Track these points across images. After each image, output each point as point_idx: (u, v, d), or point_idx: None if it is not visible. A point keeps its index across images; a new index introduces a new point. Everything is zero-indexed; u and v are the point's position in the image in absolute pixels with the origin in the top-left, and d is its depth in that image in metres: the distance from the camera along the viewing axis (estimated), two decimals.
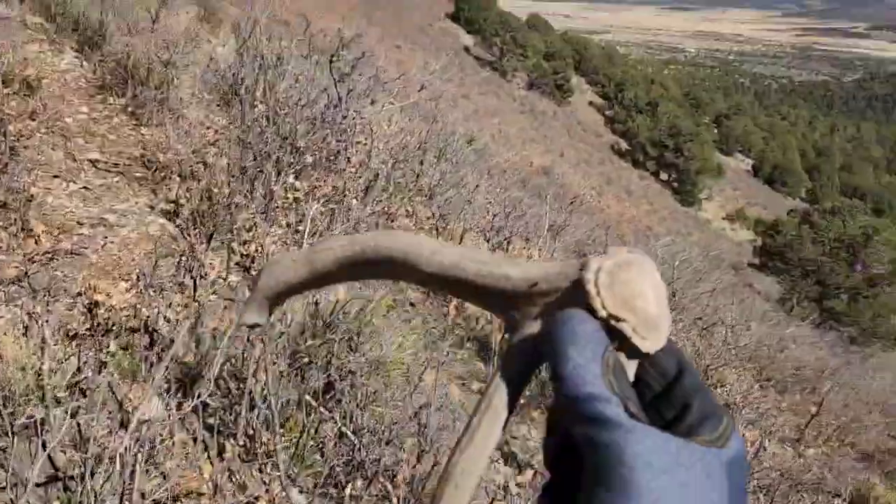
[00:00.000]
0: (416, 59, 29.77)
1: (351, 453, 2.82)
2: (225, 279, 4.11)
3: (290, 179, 3.86)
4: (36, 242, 3.60)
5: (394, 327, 3.30)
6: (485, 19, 50.45)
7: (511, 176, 14.63)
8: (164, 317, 2.99)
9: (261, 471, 2.73)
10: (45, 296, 2.82)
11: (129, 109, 6.09)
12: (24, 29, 6.75)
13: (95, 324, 2.61)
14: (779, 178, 59.48)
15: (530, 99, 47.58)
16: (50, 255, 3.72)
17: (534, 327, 0.47)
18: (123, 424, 2.03)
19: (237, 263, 4.41)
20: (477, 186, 8.55)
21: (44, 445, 1.94)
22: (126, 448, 1.65)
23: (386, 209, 6.43)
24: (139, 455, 1.82)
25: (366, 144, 6.64)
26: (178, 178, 5.17)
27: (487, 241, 6.35)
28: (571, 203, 11.29)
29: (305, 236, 2.95)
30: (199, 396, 2.06)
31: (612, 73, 59.54)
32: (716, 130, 63.74)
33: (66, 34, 6.95)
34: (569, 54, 56.04)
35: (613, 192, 35.07)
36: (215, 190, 4.60)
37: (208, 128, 5.97)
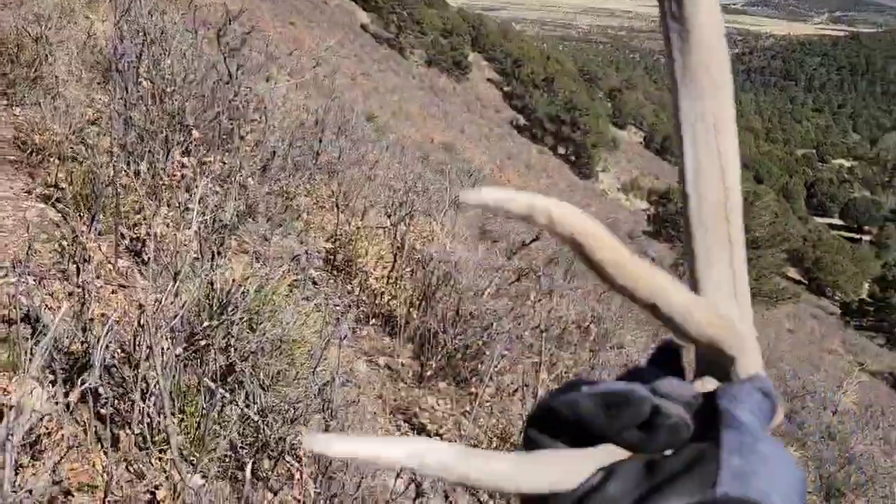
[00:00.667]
0: (312, 37, 29.07)
1: (255, 434, 2.77)
2: (114, 264, 3.91)
3: (178, 156, 3.70)
4: None
5: (296, 305, 3.25)
6: None
7: (413, 152, 14.60)
8: (46, 305, 2.82)
9: (160, 459, 2.64)
10: None
11: (0, 89, 5.66)
12: None
13: None
14: (670, 148, 62.27)
15: (429, 76, 47.52)
16: None
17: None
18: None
19: (126, 248, 4.21)
20: (377, 162, 8.49)
21: None
22: (1, 444, 1.55)
23: (284, 188, 6.29)
24: (20, 451, 1.71)
25: (261, 122, 6.47)
26: (56, 161, 4.86)
27: (388, 217, 6.33)
28: (471, 177, 11.41)
29: (195, 216, 2.84)
30: (85, 384, 1.95)
31: (509, 49, 60.27)
32: (609, 105, 65.91)
33: None
34: (465, 31, 56.29)
35: (514, 167, 35.67)
36: (98, 171, 4.35)
37: (88, 107, 5.64)
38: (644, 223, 37.62)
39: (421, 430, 4.36)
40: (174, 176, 3.59)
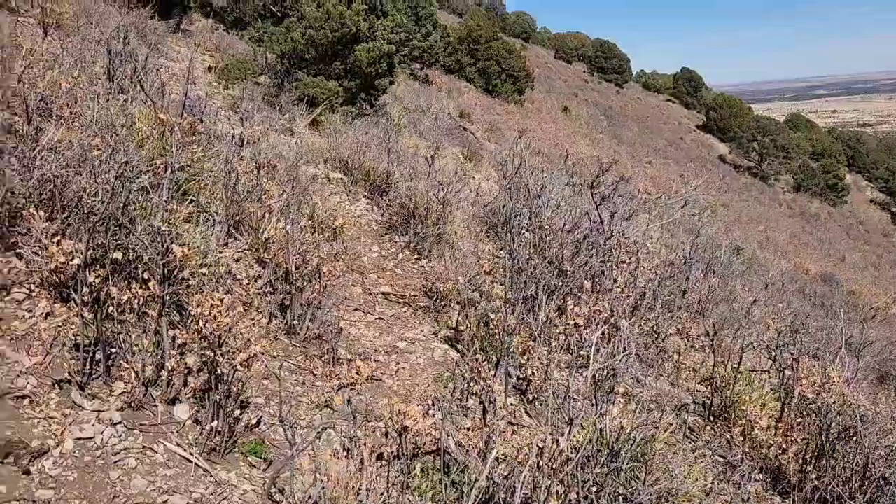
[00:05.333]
0: (669, 173, 29.40)
1: None
2: (504, 403, 4.24)
3: (568, 304, 3.96)
4: (347, 370, 4.05)
5: (683, 455, 3.12)
6: (739, 126, 48.62)
7: (788, 285, 13.44)
8: (456, 441, 3.15)
9: None
10: (362, 421, 3.14)
11: (412, 245, 6.79)
12: (328, 183, 7.96)
13: (405, 447, 2.84)
14: None
15: (798, 202, 44.07)
16: (354, 382, 4.16)
17: None
18: None
19: (514, 386, 4.54)
20: (755, 301, 7.96)
21: None
22: None
23: (655, 328, 6.25)
24: None
25: (630, 264, 6.61)
26: (456, 306, 5.56)
27: (773, 361, 5.82)
28: (871, 313, 9.99)
29: (592, 363, 2.96)
30: None
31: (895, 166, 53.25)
32: None
33: (360, 184, 8.06)
34: (839, 151, 51.45)
35: None
36: (492, 316, 4.86)
37: (478, 256, 6.40)
38: None
39: None
40: (568, 323, 3.83)
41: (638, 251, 6.38)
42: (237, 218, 5.03)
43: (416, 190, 7.27)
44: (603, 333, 4.78)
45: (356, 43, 11.92)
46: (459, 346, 4.98)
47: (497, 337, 4.82)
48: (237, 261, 4.66)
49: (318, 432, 3.29)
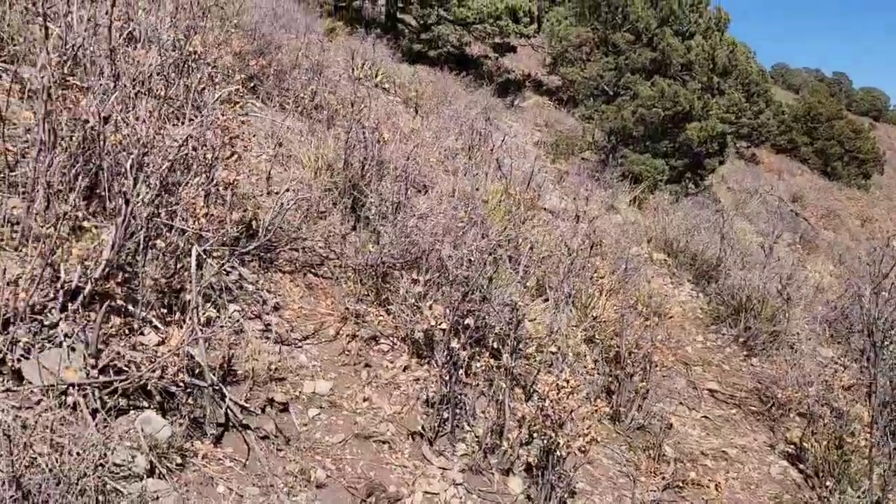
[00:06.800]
0: None
1: None
2: None
3: None
4: (673, 470, 3.78)
5: None
6: None
7: None
8: None
9: None
10: None
11: (741, 340, 6.24)
12: (651, 264, 7.75)
13: None
14: None
15: None
16: (680, 483, 3.86)
17: None
18: None
19: None
20: None
21: None
22: None
23: None
24: None
25: None
26: (797, 418, 4.93)
27: None
28: None
29: None
30: None
31: None
32: None
33: (685, 268, 7.70)
34: None
35: None
36: (848, 440, 4.20)
37: (826, 367, 5.63)
38: None
39: None
40: None
41: None
42: (568, 294, 5.09)
43: (750, 280, 6.71)
44: None
45: (688, 121, 11.65)
46: (802, 467, 4.37)
47: (852, 465, 4.14)
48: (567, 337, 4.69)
49: None
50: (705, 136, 11.53)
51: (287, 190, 4.20)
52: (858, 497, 3.74)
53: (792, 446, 4.58)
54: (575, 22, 14.14)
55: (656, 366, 4.45)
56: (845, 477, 4.02)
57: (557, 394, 2.88)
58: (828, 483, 4.00)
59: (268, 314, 3.37)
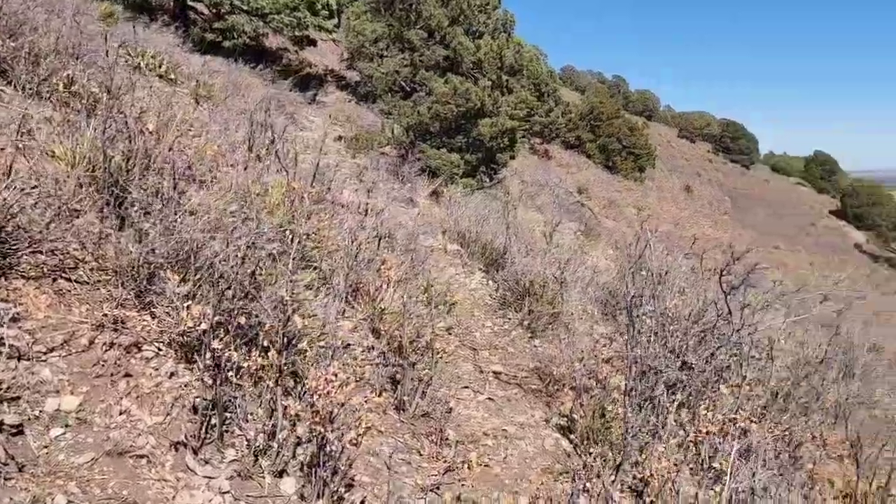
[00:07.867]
0: (798, 260, 27.75)
1: None
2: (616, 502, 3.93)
3: (702, 413, 3.66)
4: (454, 453, 3.91)
5: None
6: (879, 214, 45.53)
7: None
8: None
9: None
10: None
11: (526, 323, 6.62)
12: (445, 255, 7.99)
13: None
14: None
15: None
16: (460, 465, 4.00)
17: None
18: None
19: (629, 487, 4.22)
20: None
21: None
22: None
23: (788, 433, 5.71)
24: None
25: (760, 359, 6.15)
26: (570, 392, 5.32)
27: None
28: None
29: (728, 481, 2.67)
30: None
31: None
32: None
33: (477, 257, 8.04)
34: None
35: None
36: (609, 408, 4.59)
37: (597, 342, 6.13)
38: None
39: None
40: (698, 431, 3.54)
41: (771, 347, 5.94)
42: (355, 287, 5.08)
43: (533, 266, 7.15)
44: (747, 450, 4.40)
45: (480, 118, 12.17)
46: (572, 437, 4.72)
47: (612, 430, 4.54)
48: (354, 329, 4.68)
49: None
50: (496, 131, 12.12)
51: (34, 186, 3.77)
52: (614, 456, 4.10)
53: (564, 419, 4.93)
54: (371, 17, 14.22)
55: (439, 353, 4.57)
56: (607, 442, 4.40)
57: (325, 387, 2.84)
58: (591, 450, 4.35)
59: (1, 326, 2.99)
